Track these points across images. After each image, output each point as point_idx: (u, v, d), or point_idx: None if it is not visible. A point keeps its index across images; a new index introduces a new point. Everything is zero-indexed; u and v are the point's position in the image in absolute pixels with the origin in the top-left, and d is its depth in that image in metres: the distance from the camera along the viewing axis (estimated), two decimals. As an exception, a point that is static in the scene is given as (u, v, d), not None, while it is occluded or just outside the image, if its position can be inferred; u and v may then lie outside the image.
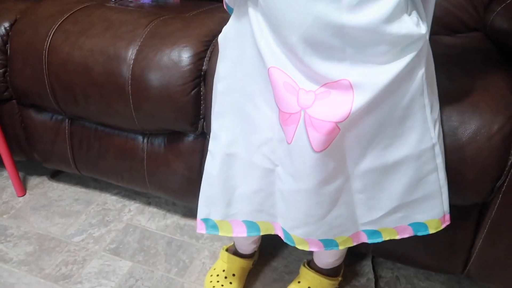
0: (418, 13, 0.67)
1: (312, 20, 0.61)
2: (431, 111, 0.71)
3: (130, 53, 1.02)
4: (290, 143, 0.70)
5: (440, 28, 1.20)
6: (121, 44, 1.03)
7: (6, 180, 1.40)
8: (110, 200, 1.34)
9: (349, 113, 0.65)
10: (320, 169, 0.70)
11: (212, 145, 0.80)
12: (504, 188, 0.82)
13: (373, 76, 0.64)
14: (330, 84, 0.65)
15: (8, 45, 1.15)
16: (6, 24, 1.16)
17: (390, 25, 0.61)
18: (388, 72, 0.64)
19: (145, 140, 1.15)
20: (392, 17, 0.61)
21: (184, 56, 0.99)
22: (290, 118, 0.68)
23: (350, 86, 0.65)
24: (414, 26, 0.63)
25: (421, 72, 0.67)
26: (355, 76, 0.64)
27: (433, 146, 0.72)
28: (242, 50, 0.73)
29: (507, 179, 0.81)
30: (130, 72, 1.01)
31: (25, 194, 1.36)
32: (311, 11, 0.61)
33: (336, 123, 0.66)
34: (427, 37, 0.68)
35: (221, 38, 0.77)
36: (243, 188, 0.79)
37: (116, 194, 1.37)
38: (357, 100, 0.64)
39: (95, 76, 1.04)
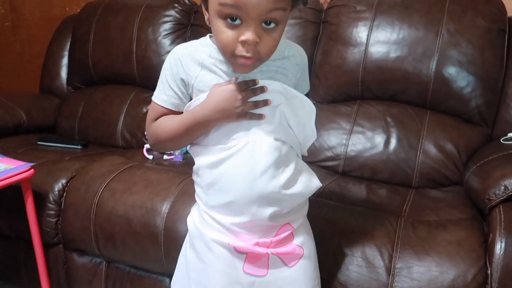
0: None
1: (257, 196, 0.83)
2: None
3: (164, 207, 1.23)
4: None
5: (427, 182, 1.40)
6: (157, 199, 1.25)
7: (42, 318, 1.53)
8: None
9: None
10: None
11: None
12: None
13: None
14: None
15: (63, 199, 1.38)
16: (64, 181, 1.41)
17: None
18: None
19: (172, 282, 1.30)
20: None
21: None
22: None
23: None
24: None
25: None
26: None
27: None
28: None
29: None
30: (164, 223, 1.21)
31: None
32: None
33: None
34: None
35: None
36: None
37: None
38: None
39: (134, 227, 1.24)
